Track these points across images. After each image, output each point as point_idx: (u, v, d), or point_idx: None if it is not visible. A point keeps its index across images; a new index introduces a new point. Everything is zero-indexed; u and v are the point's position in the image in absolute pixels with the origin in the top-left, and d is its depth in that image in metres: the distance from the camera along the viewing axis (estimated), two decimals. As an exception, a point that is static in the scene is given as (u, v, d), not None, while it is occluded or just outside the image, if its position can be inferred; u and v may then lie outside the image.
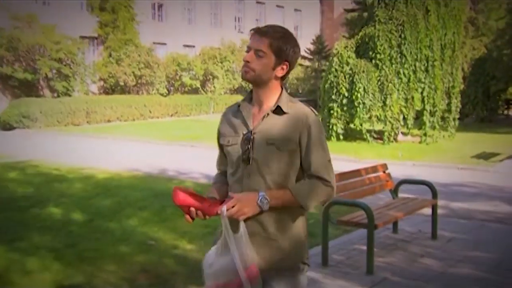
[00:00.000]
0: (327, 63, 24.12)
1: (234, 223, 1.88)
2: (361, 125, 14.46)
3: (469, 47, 23.69)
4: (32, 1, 22.67)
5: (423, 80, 14.49)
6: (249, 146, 1.96)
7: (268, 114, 1.98)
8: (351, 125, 14.92)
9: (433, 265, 4.57)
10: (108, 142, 15.17)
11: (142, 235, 5.40)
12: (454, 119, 15.83)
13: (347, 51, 14.54)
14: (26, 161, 10.42)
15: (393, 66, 14.26)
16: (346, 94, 14.25)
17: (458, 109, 16.07)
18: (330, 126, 14.55)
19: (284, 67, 2.00)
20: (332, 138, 14.43)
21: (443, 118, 15.49)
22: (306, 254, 2.08)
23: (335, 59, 14.61)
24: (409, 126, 14.86)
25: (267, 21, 34.81)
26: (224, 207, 1.86)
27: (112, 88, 24.46)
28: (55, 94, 22.09)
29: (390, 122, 14.29)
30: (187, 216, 1.94)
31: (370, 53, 14.39)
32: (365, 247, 4.57)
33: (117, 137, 16.04)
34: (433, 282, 4.15)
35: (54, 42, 21.39)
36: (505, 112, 25.08)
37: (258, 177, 1.96)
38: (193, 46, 29.40)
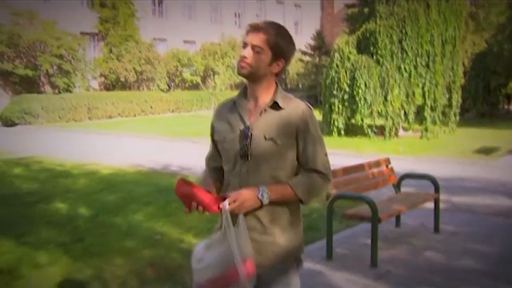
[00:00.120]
0: (328, 59, 24.18)
1: (233, 217, 1.90)
2: (362, 120, 14.51)
3: (470, 42, 23.73)
4: (32, -3, 22.69)
5: (424, 75, 14.54)
6: (247, 142, 1.97)
7: (265, 109, 1.99)
8: (352, 121, 14.98)
9: (436, 258, 4.64)
10: (110, 138, 15.22)
11: (148, 230, 5.47)
12: (455, 114, 15.89)
13: (348, 46, 14.58)
14: (30, 157, 10.48)
15: (394, 61, 14.30)
16: (347, 90, 14.29)
17: (459, 104, 16.12)
18: (332, 122, 14.62)
19: (280, 63, 2.01)
20: (333, 133, 14.50)
21: (444, 113, 15.55)
22: (301, 250, 2.09)
23: (336, 54, 14.65)
24: (410, 121, 14.92)
25: (267, 17, 34.80)
26: (226, 202, 1.89)
27: (112, 84, 24.51)
28: (56, 90, 22.13)
29: (391, 117, 14.34)
30: (186, 209, 1.94)
31: (371, 48, 14.43)
32: (368, 241, 4.63)
33: (119, 133, 16.10)
34: (436, 275, 4.21)
35: (55, 38, 21.42)
36: (506, 107, 25.12)
37: (257, 173, 1.97)
38: (194, 42, 29.42)
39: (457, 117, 16.08)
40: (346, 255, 4.71)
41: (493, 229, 5.71)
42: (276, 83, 2.05)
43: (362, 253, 4.71)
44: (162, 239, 5.15)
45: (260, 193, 1.91)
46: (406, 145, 13.07)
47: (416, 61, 14.37)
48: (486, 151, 12.35)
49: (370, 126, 14.70)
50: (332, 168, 4.76)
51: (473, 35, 24.56)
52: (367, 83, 14.07)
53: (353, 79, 14.21)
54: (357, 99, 14.15)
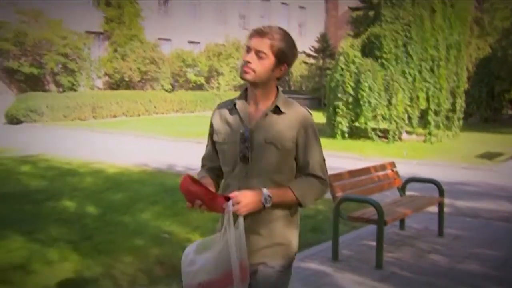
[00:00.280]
0: (332, 61, 24.23)
1: (233, 218, 1.91)
2: (366, 123, 14.57)
3: (474, 47, 23.76)
4: (39, -5, 22.80)
5: (428, 79, 14.61)
6: (247, 145, 1.99)
7: (266, 114, 2.00)
8: (356, 124, 15.05)
9: (440, 261, 4.70)
10: (115, 137, 15.31)
11: (155, 229, 5.54)
12: (458, 119, 15.94)
13: (353, 50, 14.65)
14: (37, 155, 10.56)
15: (399, 65, 14.37)
16: (352, 93, 14.36)
17: (463, 109, 16.18)
18: (336, 124, 14.68)
19: (283, 68, 2.03)
20: (337, 136, 14.56)
21: (447, 118, 15.60)
22: (295, 252, 2.10)
23: (341, 57, 14.72)
24: (414, 125, 14.99)
25: (272, 18, 34.88)
26: (230, 202, 1.90)
27: (117, 84, 24.60)
28: (61, 89, 22.22)
29: (395, 121, 14.40)
30: (189, 205, 1.95)
31: (376, 52, 14.50)
32: (373, 243, 4.70)
33: (123, 132, 16.18)
34: (441, 277, 4.28)
35: (60, 37, 21.50)
36: (509, 112, 25.13)
37: (256, 176, 1.99)
38: (198, 43, 29.50)
39: (461, 122, 16.14)
40: (351, 257, 4.77)
41: (496, 233, 5.78)
42: (277, 87, 2.08)
43: (367, 255, 4.78)
44: (169, 238, 5.23)
45: (264, 197, 1.93)
46: (409, 149, 13.12)
47: (420, 66, 14.44)
48: (489, 156, 12.40)
49: (374, 129, 14.77)
50: (336, 170, 4.88)
51: (477, 40, 24.60)
52: (371, 86, 14.14)
53: (357, 82, 14.27)
54: (361, 102, 14.21)
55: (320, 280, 4.16)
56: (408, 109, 14.58)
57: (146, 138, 15.05)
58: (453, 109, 15.74)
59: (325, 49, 29.53)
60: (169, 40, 28.28)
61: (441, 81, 14.78)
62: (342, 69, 14.58)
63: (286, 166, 2.03)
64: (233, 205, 1.90)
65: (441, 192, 5.66)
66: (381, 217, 4.48)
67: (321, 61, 29.75)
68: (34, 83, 21.94)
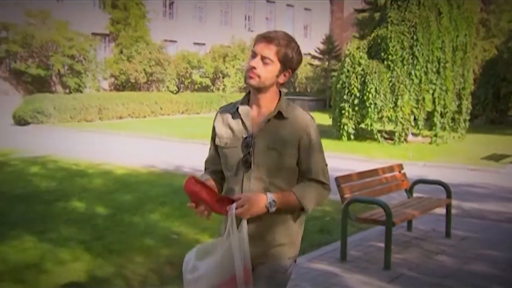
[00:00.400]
0: (337, 63, 24.25)
1: (236, 221, 1.92)
2: (371, 125, 14.59)
3: (480, 49, 23.72)
4: (46, -3, 22.99)
5: (434, 81, 14.61)
6: (250, 151, 1.99)
7: (269, 119, 2.01)
8: (362, 125, 15.07)
9: (448, 262, 4.74)
10: (121, 138, 15.39)
11: (165, 229, 5.60)
12: (464, 121, 15.94)
13: (359, 51, 14.68)
14: (45, 156, 10.65)
15: (405, 67, 14.38)
16: (358, 95, 14.39)
17: (469, 111, 16.17)
18: (341, 126, 14.71)
19: (287, 74, 2.04)
20: (343, 137, 14.59)
21: (453, 119, 15.60)
22: (295, 255, 2.11)
23: (347, 59, 14.75)
24: (420, 127, 14.99)
25: (277, 20, 34.96)
26: (233, 205, 1.91)
27: (122, 85, 24.74)
28: (67, 90, 22.37)
29: (401, 122, 14.41)
30: (192, 204, 1.95)
31: (382, 54, 14.52)
32: (381, 244, 4.74)
33: (129, 133, 16.27)
34: (448, 278, 4.31)
35: (67, 38, 21.67)
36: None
37: (259, 181, 2.00)
38: (204, 44, 29.62)
39: (467, 124, 16.12)
40: (359, 258, 4.82)
41: (503, 235, 5.80)
42: (280, 92, 2.09)
43: (375, 256, 4.82)
44: (179, 239, 5.28)
45: (269, 201, 1.94)
46: (415, 151, 13.14)
47: (426, 67, 14.44)
48: (495, 158, 12.39)
49: (379, 131, 14.79)
50: (342, 172, 4.94)
51: (483, 42, 24.56)
52: (377, 88, 14.16)
53: (363, 84, 14.30)
54: (367, 104, 14.24)
55: (329, 280, 4.21)
56: (414, 110, 14.59)
57: (152, 140, 15.13)
58: (459, 111, 15.74)
59: (331, 50, 29.57)
60: (175, 41, 28.42)
61: (447, 83, 14.78)
62: (348, 71, 14.61)
63: (288, 171, 2.04)
64: (236, 208, 1.92)
65: (449, 194, 5.69)
66: (390, 218, 4.52)
67: (326, 63, 29.77)
68: (41, 85, 22.11)
